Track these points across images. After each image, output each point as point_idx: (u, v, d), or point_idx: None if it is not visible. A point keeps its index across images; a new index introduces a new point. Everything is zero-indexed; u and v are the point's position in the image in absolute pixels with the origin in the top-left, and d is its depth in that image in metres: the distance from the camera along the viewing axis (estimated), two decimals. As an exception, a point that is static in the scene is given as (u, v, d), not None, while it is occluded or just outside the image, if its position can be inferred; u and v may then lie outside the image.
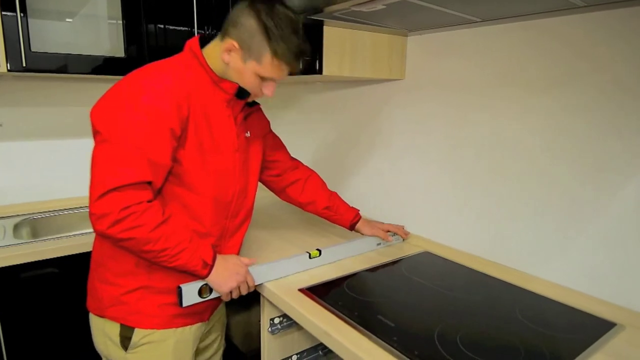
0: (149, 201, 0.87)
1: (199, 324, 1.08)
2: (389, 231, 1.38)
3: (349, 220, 1.35)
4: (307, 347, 1.20)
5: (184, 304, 0.97)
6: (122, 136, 0.84)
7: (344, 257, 1.27)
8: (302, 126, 1.95)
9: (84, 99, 1.79)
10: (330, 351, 1.20)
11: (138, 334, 0.99)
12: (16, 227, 1.55)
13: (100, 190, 0.83)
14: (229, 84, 0.98)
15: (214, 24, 1.61)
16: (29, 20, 1.37)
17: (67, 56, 1.46)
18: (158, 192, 0.95)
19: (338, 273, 1.17)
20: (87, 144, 1.55)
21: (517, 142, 1.16)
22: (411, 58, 1.42)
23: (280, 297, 1.03)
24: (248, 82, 0.98)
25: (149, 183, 0.88)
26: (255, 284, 1.06)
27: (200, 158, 0.96)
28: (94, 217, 0.84)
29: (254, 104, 1.14)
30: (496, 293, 1.08)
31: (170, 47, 1.61)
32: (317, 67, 1.25)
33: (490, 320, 0.95)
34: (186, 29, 1.63)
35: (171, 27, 1.62)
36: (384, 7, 1.00)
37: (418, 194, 1.45)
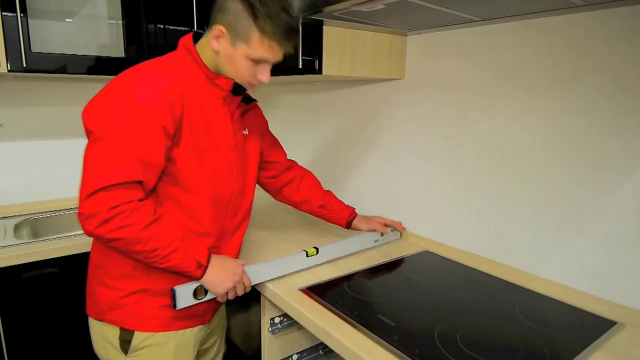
0: (140, 200, 0.86)
1: (200, 327, 1.07)
2: (386, 225, 1.37)
3: (345, 218, 1.33)
4: (308, 346, 1.20)
5: (178, 307, 0.95)
6: (113, 135, 0.83)
7: (342, 255, 1.26)
8: (302, 126, 1.95)
9: (84, 99, 1.77)
10: (330, 350, 1.20)
11: (138, 337, 0.98)
12: (17, 227, 1.55)
13: (89, 190, 0.82)
14: (224, 80, 0.97)
15: (214, 23, 1.61)
16: (29, 20, 1.37)
17: (67, 56, 1.46)
18: (151, 192, 0.93)
19: (338, 273, 1.17)
20: (88, 144, 1.54)
21: (517, 142, 1.16)
22: (411, 58, 1.42)
23: (281, 296, 1.04)
24: (241, 68, 0.95)
25: (140, 183, 0.87)
26: (252, 284, 1.05)
27: (197, 157, 0.95)
28: (83, 217, 0.82)
29: (251, 100, 1.12)
30: (496, 292, 1.08)
31: (170, 47, 1.58)
32: (317, 67, 1.25)
33: (490, 319, 0.95)
34: (186, 29, 1.63)
35: (171, 27, 1.62)
36: (384, 6, 1.00)
37: (418, 193, 1.45)
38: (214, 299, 1.01)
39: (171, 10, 1.61)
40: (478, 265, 1.24)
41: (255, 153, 1.14)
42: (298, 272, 1.16)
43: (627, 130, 0.96)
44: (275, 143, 1.29)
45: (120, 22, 1.54)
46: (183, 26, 1.63)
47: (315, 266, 1.20)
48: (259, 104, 1.19)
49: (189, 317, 1.02)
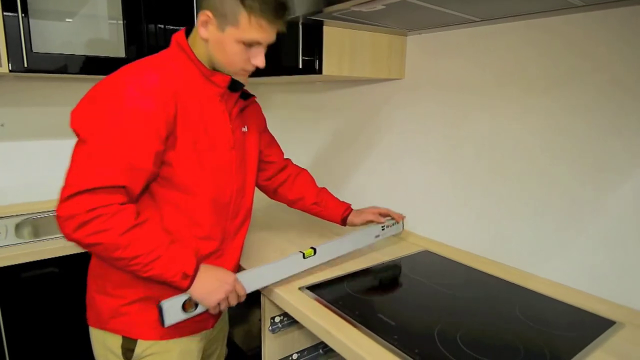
0: (123, 204, 0.82)
1: (204, 332, 1.05)
2: (381, 214, 1.29)
3: (340, 215, 1.28)
4: (308, 345, 1.21)
5: (167, 324, 0.87)
6: (98, 139, 0.81)
7: (342, 254, 1.19)
8: (302, 126, 1.96)
9: (85, 99, 1.79)
10: (330, 350, 1.20)
11: (141, 346, 0.96)
12: (18, 227, 1.56)
13: (68, 192, 0.79)
14: (220, 77, 0.94)
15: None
16: (31, 20, 1.37)
17: (68, 56, 1.46)
18: (140, 195, 0.90)
19: (338, 272, 1.17)
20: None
21: (517, 142, 1.16)
22: (411, 58, 1.42)
23: (281, 296, 1.04)
24: (232, 53, 0.90)
25: (123, 187, 0.83)
26: (247, 292, 0.98)
27: (196, 157, 0.92)
28: (61, 220, 0.80)
29: (249, 96, 1.09)
30: (496, 292, 1.09)
31: (171, 47, 1.62)
32: (317, 67, 1.25)
33: (490, 319, 0.95)
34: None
35: (171, 27, 1.62)
36: (384, 7, 1.00)
37: (418, 193, 1.45)
38: (204, 311, 0.94)
39: (171, 10, 1.61)
40: (478, 265, 1.24)
41: (255, 151, 1.11)
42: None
43: (627, 130, 0.96)
44: (272, 142, 1.27)
45: (121, 22, 1.55)
46: (183, 26, 1.63)
47: (313, 267, 1.16)
48: (258, 102, 1.17)
49: (193, 323, 0.99)
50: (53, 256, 1.35)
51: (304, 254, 1.10)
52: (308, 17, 1.14)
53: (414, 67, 1.41)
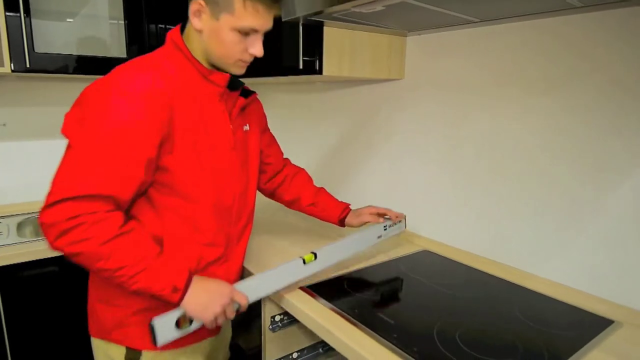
0: (109, 212, 0.79)
1: (209, 339, 1.03)
2: (379, 214, 1.25)
3: (337, 216, 1.24)
4: (308, 344, 1.21)
5: (159, 343, 0.80)
6: (85, 145, 0.78)
7: (344, 257, 1.15)
8: (302, 126, 1.96)
9: (86, 99, 1.80)
10: (330, 349, 1.21)
11: (146, 356, 0.93)
12: (19, 226, 1.56)
13: (51, 199, 0.76)
14: (219, 76, 0.91)
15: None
16: (32, 20, 1.38)
17: (70, 57, 1.47)
18: (132, 202, 0.87)
19: (338, 271, 1.17)
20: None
21: (517, 142, 1.17)
22: (410, 58, 1.42)
23: (282, 294, 1.04)
24: (229, 43, 0.86)
25: (109, 196, 0.80)
26: (250, 301, 0.93)
27: (196, 158, 0.89)
28: (43, 227, 0.77)
29: (250, 93, 1.05)
30: (496, 291, 1.09)
31: (172, 47, 1.62)
32: (317, 67, 1.26)
33: (489, 318, 0.95)
34: (188, 29, 1.64)
35: (172, 27, 1.62)
36: (384, 8, 1.01)
37: (418, 193, 1.45)
38: (200, 326, 0.88)
39: (173, 10, 1.62)
40: (478, 264, 1.25)
41: (256, 150, 1.09)
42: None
43: (627, 130, 0.96)
44: (272, 142, 1.25)
45: (122, 22, 1.55)
46: (185, 27, 1.64)
47: (312, 272, 1.10)
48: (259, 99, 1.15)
49: (198, 331, 0.93)
50: (54, 255, 1.35)
51: (304, 260, 1.03)
52: (308, 18, 1.15)
53: (414, 67, 1.42)
